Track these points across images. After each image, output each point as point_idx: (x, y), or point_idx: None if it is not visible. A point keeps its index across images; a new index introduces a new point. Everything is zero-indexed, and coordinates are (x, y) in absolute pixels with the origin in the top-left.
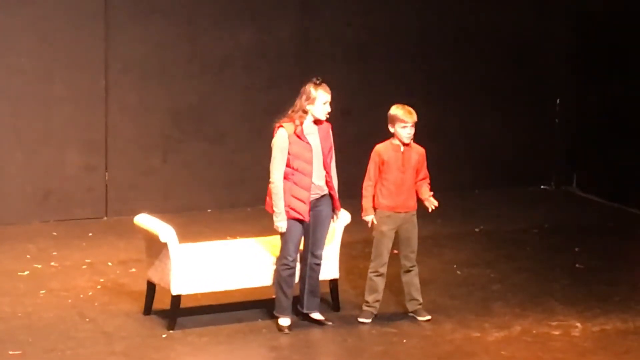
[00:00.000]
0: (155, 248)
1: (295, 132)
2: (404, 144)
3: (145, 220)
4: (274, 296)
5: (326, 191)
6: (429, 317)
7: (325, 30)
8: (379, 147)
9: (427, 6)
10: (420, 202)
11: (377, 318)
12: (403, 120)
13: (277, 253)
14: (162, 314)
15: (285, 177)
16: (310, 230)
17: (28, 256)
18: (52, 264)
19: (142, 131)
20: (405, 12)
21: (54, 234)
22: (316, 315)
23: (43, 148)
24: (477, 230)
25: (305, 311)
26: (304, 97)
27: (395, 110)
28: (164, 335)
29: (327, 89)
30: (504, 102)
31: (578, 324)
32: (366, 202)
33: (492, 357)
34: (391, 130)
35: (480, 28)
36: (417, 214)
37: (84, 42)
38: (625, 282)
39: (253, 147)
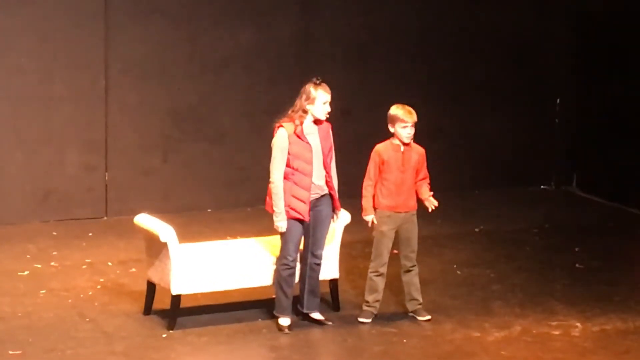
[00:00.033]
0: (155, 248)
1: (295, 132)
2: (404, 144)
3: (145, 220)
4: (274, 296)
5: (326, 191)
6: (429, 317)
7: (325, 30)
8: (379, 147)
9: (427, 6)
10: (420, 202)
11: (377, 318)
12: (403, 120)
13: (277, 253)
14: (162, 313)
15: (285, 177)
16: (310, 230)
17: (28, 256)
18: (52, 263)
19: (142, 131)
20: (405, 12)
21: (54, 233)
22: (316, 315)
23: (43, 148)
24: (477, 230)
25: (305, 311)
26: (303, 96)
27: (396, 110)
28: (164, 335)
29: (327, 88)
30: (504, 102)
31: (578, 324)
32: (366, 202)
33: (492, 357)
34: (391, 130)
35: (480, 28)
36: (417, 214)
37: (84, 42)
38: (625, 282)
39: (253, 147)
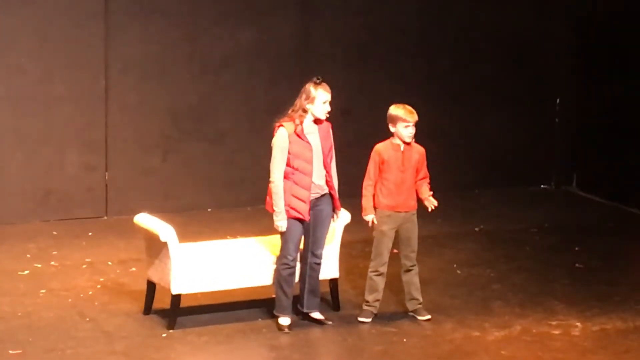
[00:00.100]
0: (155, 247)
1: (295, 131)
2: (405, 143)
3: (145, 220)
4: (274, 295)
5: (326, 190)
6: (429, 317)
7: (325, 30)
8: (379, 147)
9: (427, 6)
10: (420, 201)
11: (377, 317)
12: (405, 120)
13: (277, 252)
14: (162, 313)
15: (286, 177)
16: (310, 229)
17: (28, 256)
18: (52, 263)
19: (142, 131)
20: (405, 12)
21: (54, 233)
22: (316, 315)
23: (43, 148)
24: (477, 230)
25: (305, 310)
26: (303, 96)
27: (396, 110)
28: (164, 335)
29: (327, 88)
30: (504, 102)
31: (578, 324)
32: (366, 202)
33: (492, 357)
34: (392, 130)
35: (480, 28)
36: (417, 214)
37: (84, 42)
38: (625, 282)
39: (253, 146)
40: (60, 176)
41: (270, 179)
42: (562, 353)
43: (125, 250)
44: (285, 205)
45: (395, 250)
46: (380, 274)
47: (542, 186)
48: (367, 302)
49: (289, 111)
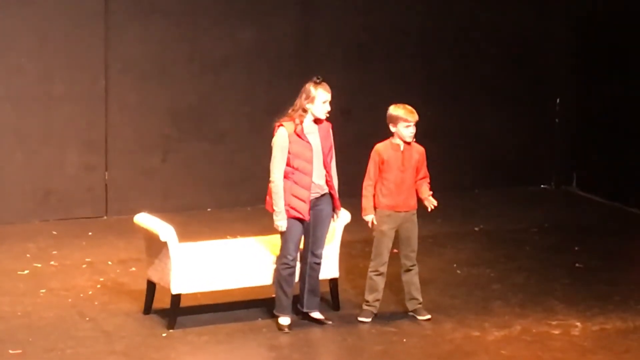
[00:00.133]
0: (155, 247)
1: (295, 131)
2: (406, 143)
3: (145, 220)
4: (273, 295)
5: (326, 190)
6: (428, 317)
7: (325, 30)
8: (379, 147)
9: (427, 6)
10: (420, 201)
11: (377, 317)
12: (406, 120)
13: (277, 252)
14: (162, 313)
15: (286, 176)
16: (310, 229)
17: (28, 255)
18: (52, 263)
19: (142, 131)
20: (405, 12)
21: (54, 233)
22: (316, 315)
23: (43, 148)
24: (477, 229)
25: (305, 310)
26: (303, 95)
27: (396, 110)
28: (164, 335)
29: (327, 88)
30: (504, 102)
31: (578, 324)
32: (366, 202)
33: (492, 357)
34: (392, 130)
35: (480, 28)
36: (417, 214)
37: (84, 42)
38: (625, 282)
39: (253, 146)
40: (60, 176)
41: (270, 179)
42: (562, 353)
43: (125, 250)
44: (285, 205)
45: (395, 250)
46: (380, 274)
47: (542, 186)
48: (367, 301)
49: (289, 111)
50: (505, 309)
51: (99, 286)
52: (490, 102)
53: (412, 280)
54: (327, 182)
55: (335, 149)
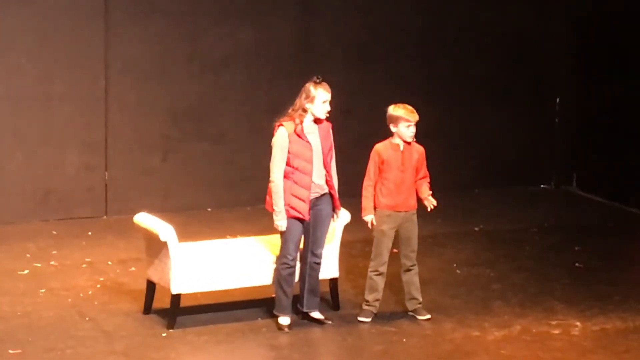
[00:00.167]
0: (155, 247)
1: (295, 130)
2: (405, 143)
3: (145, 219)
4: (273, 295)
5: (326, 190)
6: (428, 316)
7: (325, 30)
8: (379, 147)
9: (427, 6)
10: (420, 201)
11: (377, 317)
12: (408, 120)
13: (277, 252)
14: (161, 313)
15: (286, 176)
16: (310, 229)
17: (28, 255)
18: (52, 263)
19: (142, 131)
20: (405, 12)
21: (54, 233)
22: (316, 314)
23: (43, 148)
24: (477, 229)
25: (305, 310)
26: (303, 95)
27: (397, 110)
28: (163, 334)
29: (327, 87)
30: (504, 102)
31: (578, 323)
32: (366, 202)
33: (492, 357)
34: (393, 130)
35: (480, 28)
36: (417, 213)
37: (84, 42)
38: (625, 282)
39: (253, 146)
40: (60, 176)
41: (270, 179)
42: (562, 353)
43: (125, 249)
44: (285, 204)
45: (395, 250)
46: (380, 274)
47: (542, 186)
48: (367, 301)
49: (289, 110)
50: (505, 308)
51: (98, 286)
52: (490, 102)
53: (412, 280)
54: (327, 182)
55: (335, 149)
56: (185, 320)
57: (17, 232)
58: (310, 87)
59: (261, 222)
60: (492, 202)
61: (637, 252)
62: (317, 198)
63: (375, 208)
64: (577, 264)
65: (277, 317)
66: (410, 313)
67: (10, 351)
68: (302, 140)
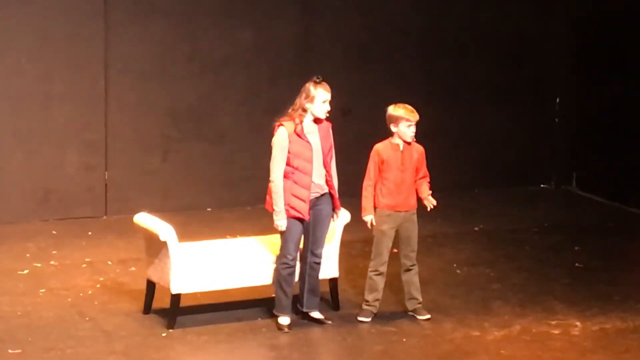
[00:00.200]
0: (154, 247)
1: (295, 130)
2: (405, 143)
3: (144, 219)
4: (273, 295)
5: (326, 190)
6: (428, 316)
7: (325, 30)
8: (378, 147)
9: (427, 6)
10: (420, 201)
11: (377, 317)
12: (408, 120)
13: (277, 252)
14: (161, 312)
15: (285, 176)
16: (310, 229)
17: (28, 255)
18: (52, 262)
19: (142, 131)
20: (405, 12)
21: (54, 232)
22: (316, 314)
23: (43, 148)
24: (477, 229)
25: (305, 310)
26: (303, 95)
27: (397, 109)
28: (163, 334)
29: (327, 87)
30: (504, 102)
31: (578, 323)
32: (366, 202)
33: (492, 356)
34: (393, 130)
35: (480, 28)
36: (417, 213)
37: (84, 42)
38: (625, 282)
39: (253, 146)
40: (60, 176)
41: (270, 178)
42: (561, 353)
43: (125, 249)
44: (285, 204)
45: (395, 250)
46: (380, 274)
47: (542, 186)
48: (367, 301)
49: (289, 110)
50: (505, 308)
51: (98, 286)
52: (490, 102)
53: (412, 280)
54: (327, 181)
55: (335, 148)
56: (185, 320)
57: (17, 232)
58: (310, 87)
59: (261, 222)
60: (492, 202)
61: (637, 252)
62: (317, 198)
63: (375, 208)
64: (577, 264)
65: (277, 317)
66: (410, 313)
67: (10, 351)
68: (302, 140)
